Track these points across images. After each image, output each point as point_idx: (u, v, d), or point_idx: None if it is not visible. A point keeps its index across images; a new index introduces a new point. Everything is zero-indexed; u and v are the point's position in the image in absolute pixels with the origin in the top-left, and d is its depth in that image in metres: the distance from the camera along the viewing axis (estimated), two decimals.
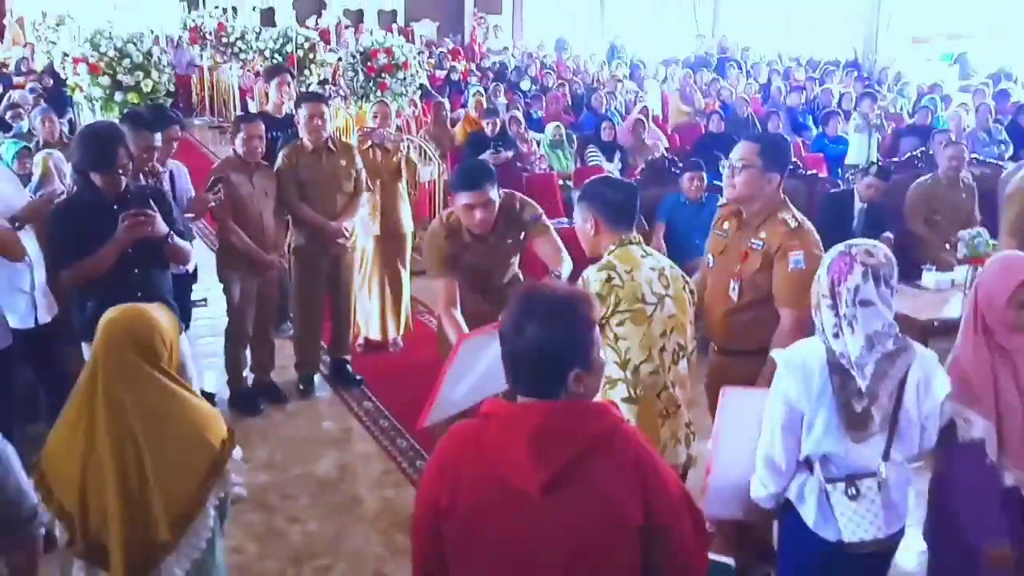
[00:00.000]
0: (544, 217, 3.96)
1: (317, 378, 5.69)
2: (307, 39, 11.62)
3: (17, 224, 4.06)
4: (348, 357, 5.79)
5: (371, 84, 8.58)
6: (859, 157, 9.34)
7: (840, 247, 2.54)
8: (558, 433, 1.83)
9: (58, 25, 15.02)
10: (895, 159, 8.19)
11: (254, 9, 18.86)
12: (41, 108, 7.05)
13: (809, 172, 7.66)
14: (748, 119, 10.53)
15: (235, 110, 13.31)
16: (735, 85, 13.22)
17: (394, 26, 19.70)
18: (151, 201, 3.73)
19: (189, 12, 16.04)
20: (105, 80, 6.87)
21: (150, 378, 2.43)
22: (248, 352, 5.41)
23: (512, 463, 1.82)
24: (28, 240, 4.10)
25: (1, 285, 3.98)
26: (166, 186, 4.79)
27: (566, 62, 16.84)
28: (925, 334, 4.68)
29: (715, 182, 6.33)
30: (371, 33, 11.61)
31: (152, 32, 7.39)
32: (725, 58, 16.17)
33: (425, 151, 8.23)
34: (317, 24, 18.24)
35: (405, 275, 6.16)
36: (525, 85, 13.55)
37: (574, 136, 9.59)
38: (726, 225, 3.63)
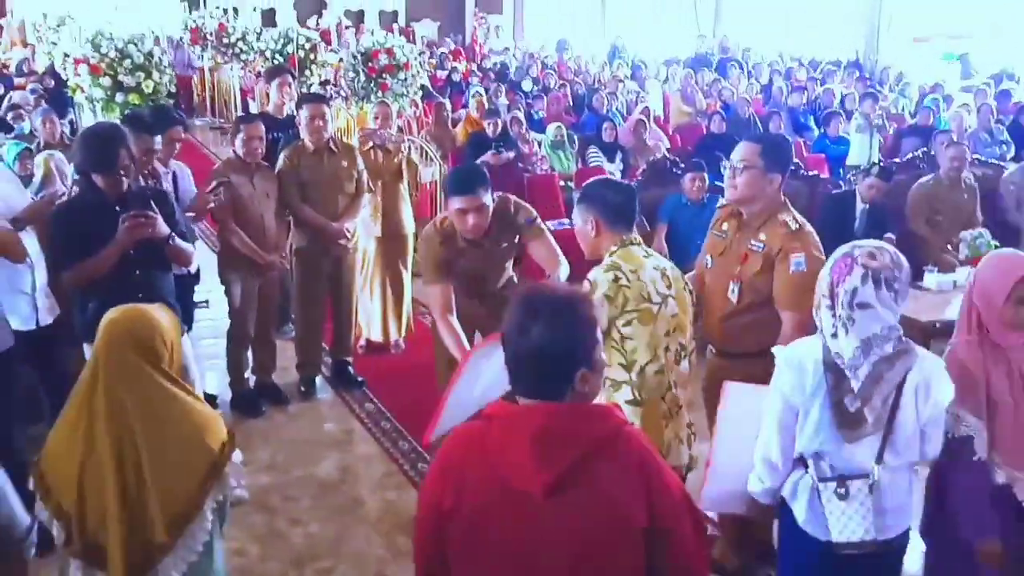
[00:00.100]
0: (539, 220, 3.92)
1: (319, 379, 5.69)
2: (308, 40, 11.62)
3: (19, 225, 4.06)
4: (350, 358, 5.79)
5: (372, 85, 8.57)
6: (861, 158, 9.33)
7: (845, 248, 2.54)
8: (561, 435, 1.83)
9: (59, 26, 15.02)
10: (897, 160, 8.18)
11: (255, 10, 18.89)
12: (42, 109, 7.05)
13: (811, 173, 7.65)
14: (749, 120, 10.53)
15: (236, 111, 13.31)
16: (736, 85, 13.21)
17: (395, 26, 19.71)
18: (152, 202, 3.73)
19: (190, 13, 16.03)
20: (106, 81, 6.86)
21: (150, 379, 2.42)
22: (250, 353, 5.41)
23: (515, 465, 1.82)
24: (29, 241, 4.10)
25: (2, 286, 3.98)
26: (169, 187, 4.79)
27: (567, 62, 16.84)
28: (926, 335, 4.67)
29: (716, 183, 6.33)
30: (372, 33, 11.61)
31: (153, 33, 7.37)
32: (726, 58, 16.16)
33: (426, 152, 8.22)
34: (318, 25, 18.23)
35: (407, 276, 6.15)
36: (526, 86, 13.55)
37: (575, 137, 9.59)
38: (725, 226, 3.62)
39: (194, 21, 15.08)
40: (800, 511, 2.60)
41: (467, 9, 22.24)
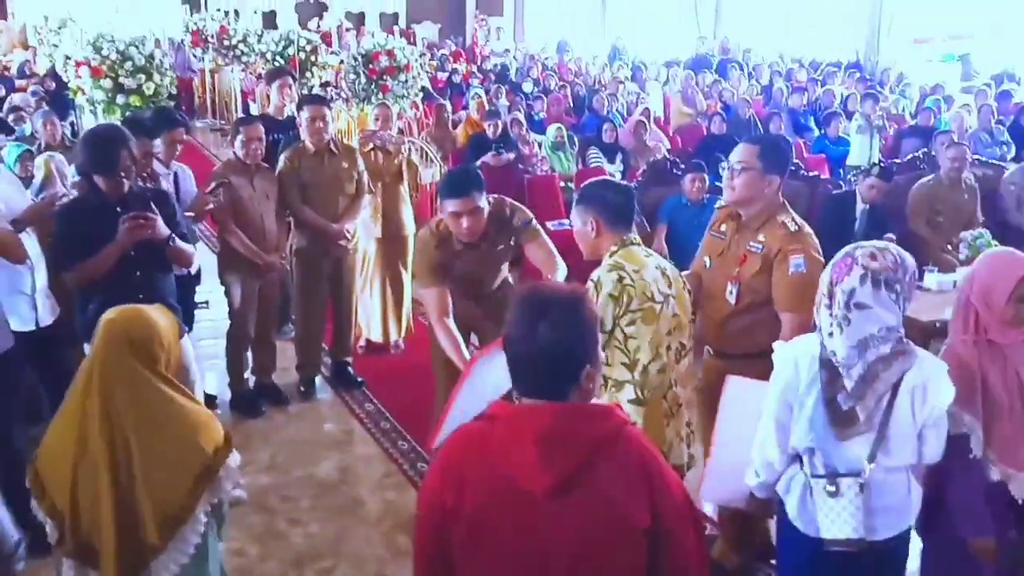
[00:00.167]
0: (535, 222, 3.90)
1: (318, 380, 5.69)
2: (309, 42, 11.64)
3: (19, 227, 4.07)
4: (349, 359, 5.79)
5: (373, 86, 8.58)
6: (861, 158, 9.33)
7: (849, 248, 2.54)
8: (566, 435, 1.83)
9: (60, 28, 15.04)
10: (897, 160, 8.19)
11: (256, 12, 18.89)
12: (43, 111, 7.06)
13: (811, 173, 7.65)
14: (750, 121, 10.53)
15: (237, 113, 13.32)
16: (737, 87, 13.21)
17: (396, 28, 19.72)
18: (152, 204, 3.74)
19: (191, 15, 16.06)
20: (107, 83, 6.87)
21: (145, 381, 2.43)
22: (249, 354, 5.41)
23: (520, 465, 1.82)
24: (29, 243, 4.12)
25: (2, 287, 3.99)
26: (170, 188, 4.80)
27: (568, 64, 16.85)
28: (926, 335, 4.67)
29: (717, 183, 6.32)
30: (373, 35, 11.61)
31: (154, 35, 7.38)
32: (727, 60, 16.16)
33: (427, 153, 8.23)
34: (319, 27, 18.25)
35: (406, 277, 6.15)
36: (527, 87, 13.55)
37: (575, 138, 9.59)
38: (723, 227, 3.61)
39: (195, 23, 15.11)
40: (791, 507, 2.62)
41: (468, 11, 22.24)
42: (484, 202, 3.68)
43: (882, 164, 7.43)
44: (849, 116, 10.35)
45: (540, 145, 9.21)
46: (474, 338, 4.20)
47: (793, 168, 7.32)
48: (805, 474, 2.57)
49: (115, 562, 2.36)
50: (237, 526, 3.96)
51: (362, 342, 6.22)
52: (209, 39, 14.58)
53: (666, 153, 8.82)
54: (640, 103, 11.50)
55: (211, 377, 5.47)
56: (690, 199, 6.49)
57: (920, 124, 9.95)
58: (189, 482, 2.42)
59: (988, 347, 2.73)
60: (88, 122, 7.45)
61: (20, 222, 4.11)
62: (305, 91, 9.40)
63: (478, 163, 8.16)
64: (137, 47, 6.99)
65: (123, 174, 3.72)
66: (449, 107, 10.39)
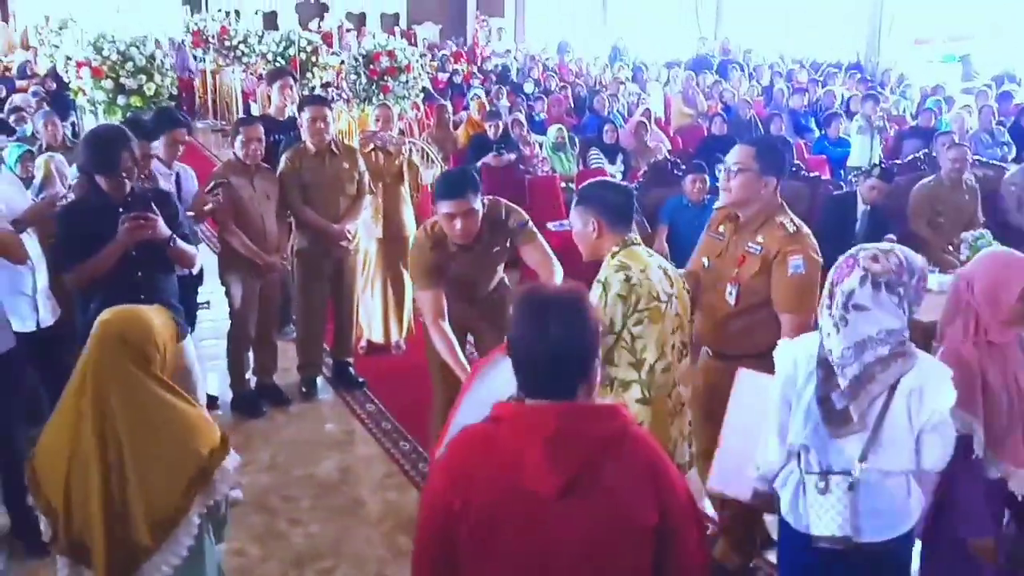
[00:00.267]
0: (531, 224, 3.88)
1: (319, 380, 5.69)
2: (309, 42, 11.64)
3: (20, 227, 4.07)
4: (350, 359, 5.80)
5: (373, 87, 8.59)
6: (862, 159, 9.33)
7: (854, 249, 2.55)
8: (574, 435, 1.83)
9: (61, 29, 15.05)
10: (898, 161, 8.19)
11: (256, 12, 18.91)
12: (44, 112, 7.05)
13: (812, 174, 7.65)
14: (750, 121, 10.53)
15: (238, 113, 13.33)
16: (737, 87, 13.21)
17: (396, 29, 19.73)
18: (153, 204, 3.74)
19: (192, 15, 16.06)
20: (108, 83, 6.88)
21: (139, 382, 2.42)
22: (250, 354, 5.41)
23: (528, 465, 1.82)
24: (30, 243, 4.12)
25: (3, 288, 3.99)
26: (172, 188, 4.80)
27: (568, 64, 16.85)
28: (927, 336, 4.65)
29: (718, 184, 6.32)
30: (373, 36, 11.59)
31: (155, 38, 7.38)
32: (727, 60, 16.16)
33: (428, 154, 8.24)
34: (320, 27, 18.27)
35: (407, 277, 6.15)
36: (528, 88, 13.56)
37: (576, 139, 9.59)
38: (721, 228, 3.61)
39: (196, 24, 15.11)
40: (784, 502, 2.63)
41: (469, 11, 22.25)
42: (478, 204, 3.65)
43: (883, 165, 7.44)
44: (851, 117, 10.35)
45: (541, 146, 9.20)
46: (471, 339, 4.21)
47: (794, 169, 7.33)
48: (800, 470, 2.58)
49: (104, 561, 2.36)
50: (237, 526, 3.96)
51: (363, 343, 6.22)
52: (210, 40, 14.58)
53: (667, 154, 8.82)
54: (641, 104, 11.50)
55: (212, 378, 5.47)
56: (691, 200, 6.49)
57: (921, 125, 9.96)
58: (183, 484, 2.42)
59: (987, 347, 2.73)
60: (89, 123, 7.46)
61: (21, 222, 4.11)
62: (306, 92, 9.41)
63: (479, 164, 8.18)
64: (138, 47, 7.00)
65: (124, 174, 3.72)
66: (450, 108, 10.40)
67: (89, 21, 13.02)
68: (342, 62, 12.34)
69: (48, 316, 4.28)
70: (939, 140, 7.92)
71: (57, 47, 12.87)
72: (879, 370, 2.44)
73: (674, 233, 6.48)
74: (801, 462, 2.58)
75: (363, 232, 5.85)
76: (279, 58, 11.31)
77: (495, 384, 2.75)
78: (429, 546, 1.94)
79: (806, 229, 3.46)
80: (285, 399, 5.46)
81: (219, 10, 17.14)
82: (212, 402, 5.06)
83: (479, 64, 17.43)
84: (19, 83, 12.69)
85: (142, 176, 4.51)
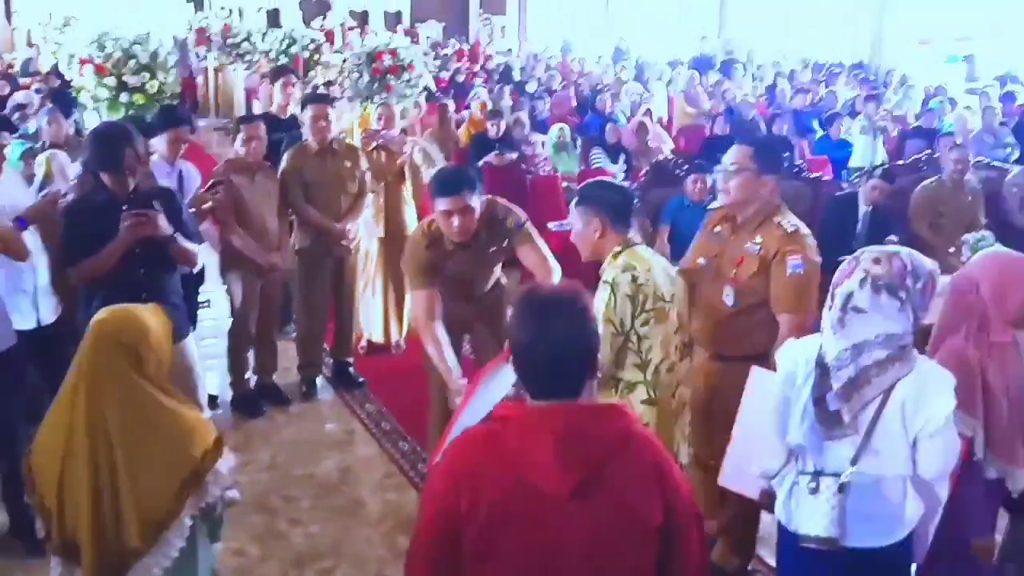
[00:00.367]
0: (528, 224, 3.86)
1: (319, 380, 5.69)
2: (312, 40, 11.66)
3: (24, 224, 4.07)
4: (351, 359, 5.79)
5: (376, 86, 8.58)
6: (864, 160, 9.32)
7: (860, 250, 2.54)
8: (583, 435, 1.83)
9: (64, 26, 15.07)
10: (900, 162, 8.18)
11: (260, 10, 18.92)
12: (48, 109, 7.04)
13: (814, 175, 7.64)
14: (753, 121, 10.52)
15: (240, 111, 13.34)
16: (740, 87, 13.20)
17: (399, 27, 19.72)
18: (155, 201, 3.74)
19: (195, 13, 16.08)
20: (111, 81, 6.87)
21: (131, 383, 2.42)
22: (251, 354, 5.41)
23: (537, 465, 1.81)
24: (31, 240, 4.11)
25: (4, 285, 3.99)
26: (173, 186, 4.79)
27: (571, 64, 16.83)
28: (928, 338, 4.66)
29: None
30: (376, 35, 11.61)
31: (158, 38, 7.38)
32: (730, 60, 16.14)
33: (429, 153, 8.22)
34: (322, 26, 18.25)
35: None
36: (530, 87, 13.55)
37: (578, 138, 9.58)
38: (718, 229, 3.59)
39: (199, 21, 15.12)
40: (779, 500, 2.64)
41: (471, 10, 22.24)
42: (476, 201, 3.64)
43: (885, 166, 7.43)
44: (856, 117, 10.34)
45: (543, 145, 9.20)
46: (466, 339, 4.21)
47: (796, 170, 7.32)
48: (795, 470, 2.58)
49: (92, 561, 2.36)
50: (237, 526, 3.96)
51: (363, 342, 6.21)
52: (213, 37, 14.59)
53: (669, 154, 8.81)
54: (644, 103, 11.49)
55: (212, 377, 5.47)
56: (693, 200, 6.48)
57: (923, 126, 9.94)
58: (175, 486, 2.41)
59: (987, 346, 2.73)
60: (91, 120, 7.45)
61: (23, 219, 4.11)
62: (308, 90, 9.41)
63: (481, 163, 8.17)
64: (141, 45, 6.99)
65: (128, 172, 3.73)
66: (452, 107, 10.39)
67: (92, 18, 13.05)
68: (344, 60, 12.34)
69: (49, 314, 4.28)
70: (942, 141, 7.92)
71: (60, 44, 12.85)
72: (875, 373, 2.42)
73: (676, 233, 6.47)
74: (797, 462, 2.59)
75: (364, 231, 5.85)
76: (282, 56, 11.34)
77: (495, 395, 2.75)
78: (431, 548, 1.91)
79: (805, 229, 3.46)
80: (285, 399, 5.46)
81: (222, 8, 17.17)
82: (212, 401, 5.06)
83: (481, 63, 17.43)
84: (22, 80, 12.68)
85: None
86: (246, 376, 5.41)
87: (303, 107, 5.49)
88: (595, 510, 1.83)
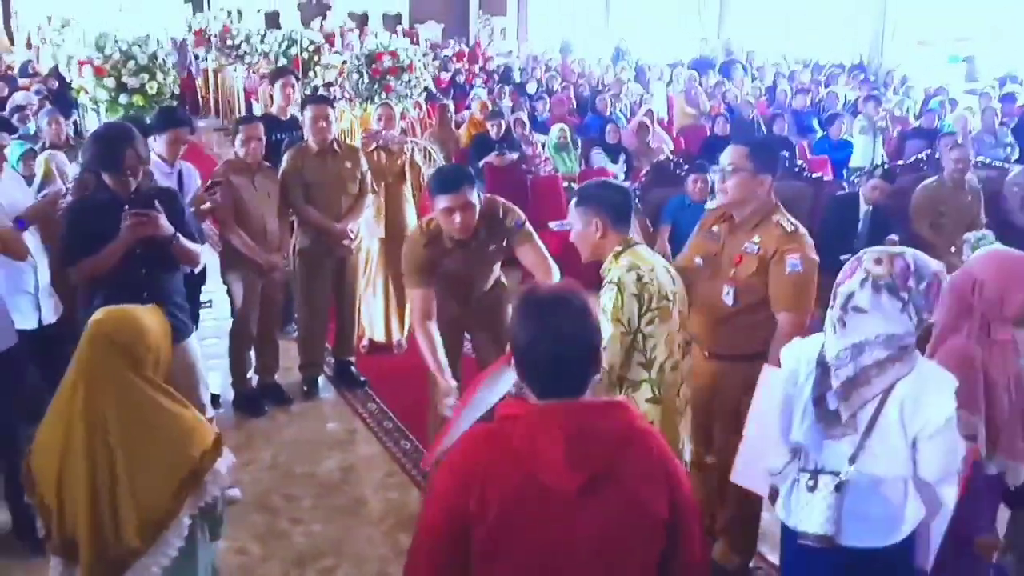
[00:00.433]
0: (528, 225, 3.86)
1: (321, 379, 5.69)
2: (312, 42, 11.64)
3: (23, 225, 4.08)
4: (352, 359, 5.79)
5: (376, 87, 8.59)
6: (864, 160, 9.33)
7: (864, 250, 2.54)
8: (591, 433, 1.84)
9: (63, 27, 15.07)
10: (901, 162, 8.18)
11: (259, 12, 18.92)
12: (48, 110, 7.05)
13: (815, 175, 7.65)
14: (753, 122, 10.52)
15: (240, 112, 13.34)
16: (740, 88, 13.20)
17: (399, 29, 19.73)
18: (156, 202, 3.74)
19: (194, 14, 16.08)
20: (110, 82, 6.87)
21: (129, 383, 2.42)
22: (252, 353, 5.41)
23: (548, 463, 1.81)
24: (31, 241, 4.12)
25: (5, 286, 3.99)
26: (172, 186, 4.79)
27: (571, 64, 16.84)
28: (930, 336, 4.66)
29: None
30: (376, 36, 11.59)
31: (157, 39, 7.38)
32: (730, 61, 16.15)
33: (430, 153, 8.23)
34: (322, 27, 18.26)
35: None
36: (530, 87, 13.55)
37: (579, 139, 9.59)
38: (715, 228, 3.59)
39: (198, 23, 15.12)
40: (781, 497, 2.64)
41: (471, 11, 22.24)
42: (475, 198, 3.65)
43: (885, 166, 7.43)
44: (854, 115, 10.35)
45: (543, 146, 9.20)
46: (464, 339, 4.21)
47: (797, 170, 7.32)
48: (798, 467, 2.58)
49: (90, 560, 2.36)
50: (239, 525, 3.97)
51: (365, 342, 6.21)
52: (212, 38, 14.59)
53: (669, 154, 8.82)
54: (644, 104, 11.49)
55: (214, 376, 5.45)
56: (693, 200, 6.49)
57: (924, 126, 9.95)
58: (173, 486, 2.41)
59: (988, 344, 2.73)
60: (91, 121, 7.46)
61: (23, 220, 4.11)
62: (308, 91, 9.41)
63: (481, 163, 8.18)
64: (140, 46, 6.99)
65: (129, 172, 3.73)
66: (452, 107, 10.40)
67: (91, 20, 13.05)
68: (344, 61, 12.35)
69: (50, 314, 4.28)
70: (942, 141, 7.92)
71: (59, 46, 12.88)
72: (874, 373, 2.41)
73: (676, 233, 6.48)
74: (800, 459, 2.59)
75: (365, 231, 5.85)
76: (281, 57, 11.32)
77: (492, 398, 2.75)
78: (436, 549, 1.89)
79: (803, 229, 3.46)
80: (287, 398, 5.46)
81: (221, 9, 17.17)
82: (214, 400, 5.06)
83: (481, 64, 17.43)
84: (21, 81, 12.68)
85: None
86: (248, 376, 5.41)
87: (303, 108, 5.49)
88: (604, 506, 1.83)
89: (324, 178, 5.30)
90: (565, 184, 8.46)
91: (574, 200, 3.19)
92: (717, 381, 3.52)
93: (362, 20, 21.51)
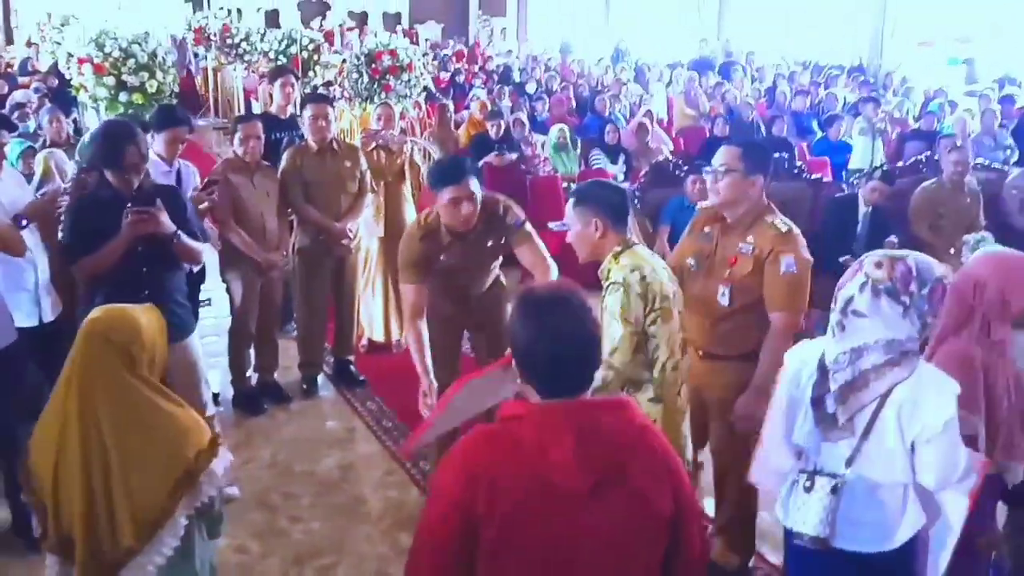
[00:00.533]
0: (527, 224, 3.86)
1: (320, 378, 5.70)
2: (311, 41, 11.64)
3: (23, 222, 4.08)
4: (352, 357, 5.80)
5: (375, 86, 8.59)
6: (863, 161, 9.33)
7: (868, 253, 2.54)
8: (599, 432, 1.84)
9: (63, 25, 15.05)
10: (900, 163, 8.19)
11: (259, 10, 18.92)
12: (49, 108, 7.05)
13: (813, 176, 7.65)
14: (753, 123, 10.53)
15: (239, 111, 13.33)
16: (740, 89, 13.21)
17: (399, 28, 19.72)
18: (158, 199, 3.74)
19: (194, 13, 16.07)
20: (110, 80, 6.87)
21: (124, 383, 2.41)
22: (252, 352, 5.41)
23: (557, 463, 1.81)
24: (31, 238, 4.12)
25: (5, 283, 3.99)
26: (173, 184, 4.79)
27: (570, 65, 16.84)
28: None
29: None
30: (375, 35, 11.59)
31: (157, 38, 7.38)
32: (730, 62, 16.15)
33: (429, 153, 8.23)
34: (321, 26, 18.25)
35: None
36: (530, 88, 13.55)
37: (578, 139, 9.60)
38: (707, 230, 3.59)
39: (198, 21, 15.11)
40: (780, 496, 2.64)
41: (471, 11, 22.24)
42: (478, 187, 3.65)
43: (884, 167, 7.44)
44: (854, 115, 10.36)
45: (543, 146, 9.21)
46: (464, 338, 4.21)
47: (796, 171, 7.33)
48: (799, 468, 2.59)
49: (84, 559, 2.36)
50: (238, 523, 3.97)
51: (364, 341, 6.22)
52: (212, 37, 14.58)
53: (668, 155, 8.82)
54: (643, 104, 11.50)
55: (213, 375, 5.45)
56: (693, 200, 6.48)
57: (923, 128, 9.95)
58: (168, 486, 2.41)
59: (989, 344, 2.73)
60: (91, 119, 7.45)
61: (23, 217, 4.11)
62: (307, 90, 9.41)
63: (481, 163, 8.17)
64: (140, 44, 6.99)
65: (130, 169, 3.73)
66: (451, 107, 10.40)
67: (91, 18, 13.04)
68: (344, 61, 12.34)
69: (50, 312, 4.28)
70: (941, 143, 7.93)
71: (59, 43, 12.85)
72: (872, 378, 2.40)
73: (676, 233, 6.45)
74: (801, 460, 2.59)
75: (364, 231, 5.85)
76: (281, 56, 11.32)
77: (483, 402, 2.74)
78: (439, 549, 1.87)
79: (796, 229, 3.47)
80: (286, 397, 5.47)
81: (221, 7, 17.16)
82: (213, 399, 5.06)
83: (481, 64, 17.43)
84: (21, 79, 12.67)
85: None
86: (247, 374, 5.41)
87: (302, 107, 5.49)
88: (613, 505, 1.84)
89: (323, 177, 5.30)
90: (564, 184, 8.47)
91: (572, 200, 3.19)
92: (711, 381, 3.53)
93: (362, 19, 21.51)
